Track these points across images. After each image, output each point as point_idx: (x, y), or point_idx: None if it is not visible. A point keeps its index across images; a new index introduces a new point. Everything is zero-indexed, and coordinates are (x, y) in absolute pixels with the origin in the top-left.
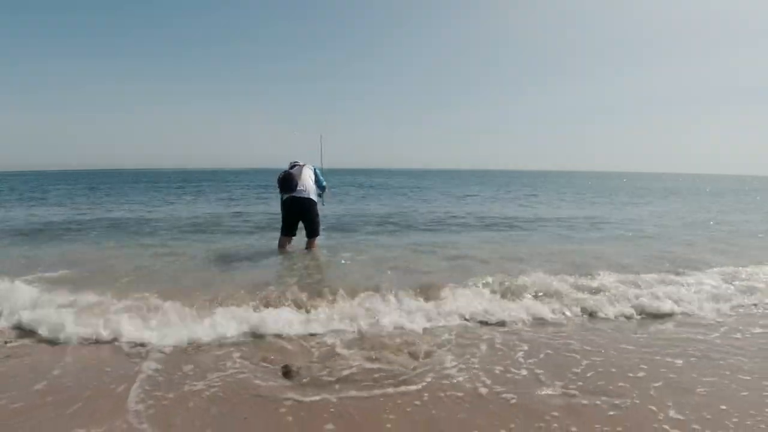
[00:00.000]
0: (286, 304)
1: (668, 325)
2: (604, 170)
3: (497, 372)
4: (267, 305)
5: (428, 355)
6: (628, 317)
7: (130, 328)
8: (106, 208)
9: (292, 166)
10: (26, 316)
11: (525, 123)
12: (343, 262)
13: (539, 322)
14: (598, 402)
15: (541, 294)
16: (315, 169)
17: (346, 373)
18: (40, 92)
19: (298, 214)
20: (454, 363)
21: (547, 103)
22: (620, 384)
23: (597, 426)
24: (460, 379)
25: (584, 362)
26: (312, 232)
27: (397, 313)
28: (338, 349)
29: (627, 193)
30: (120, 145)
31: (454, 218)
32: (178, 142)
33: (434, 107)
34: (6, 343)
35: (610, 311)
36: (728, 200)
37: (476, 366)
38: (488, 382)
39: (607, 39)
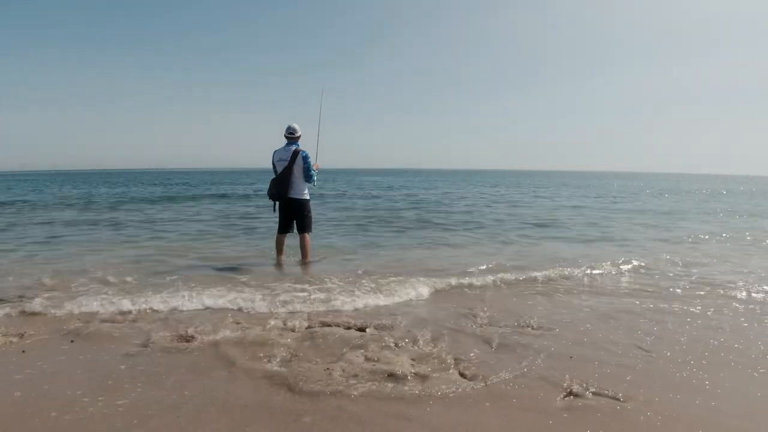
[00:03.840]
0: None
1: None
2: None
3: None
4: None
5: None
6: None
7: None
8: None
9: (288, 139)
10: None
11: (503, 123)
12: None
13: None
14: None
15: None
16: (305, 157)
17: None
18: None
19: (291, 213)
20: None
21: (530, 104)
22: None
23: None
24: None
25: None
26: (303, 228)
27: None
28: None
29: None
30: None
31: None
32: (160, 141)
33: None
34: None
35: None
36: None
37: None
38: None
39: (598, 40)
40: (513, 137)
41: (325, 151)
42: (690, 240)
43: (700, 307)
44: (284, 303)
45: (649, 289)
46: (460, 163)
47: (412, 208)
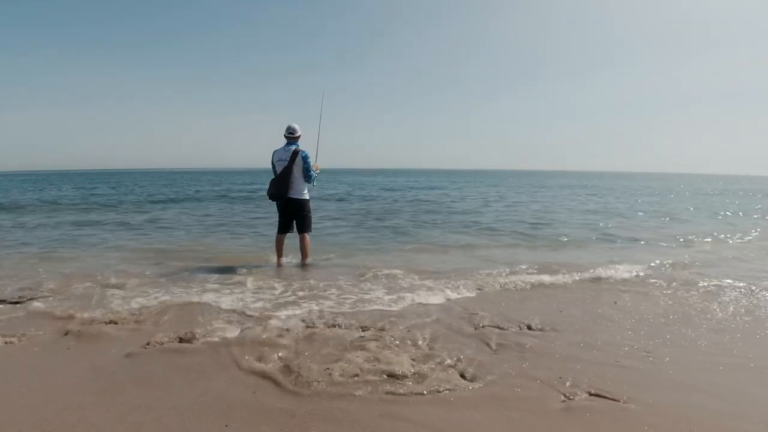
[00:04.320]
0: None
1: None
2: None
3: None
4: None
5: None
6: None
7: None
8: None
9: (288, 139)
10: None
11: (498, 125)
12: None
13: None
14: None
15: None
16: (305, 157)
17: None
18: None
19: (291, 213)
20: None
21: (520, 105)
22: None
23: None
24: None
25: None
26: (303, 228)
27: None
28: None
29: None
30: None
31: None
32: (159, 141)
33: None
34: None
35: None
36: None
37: None
38: None
39: (593, 40)
40: (513, 137)
41: (325, 152)
42: (690, 240)
43: (699, 309)
44: (284, 303)
45: (649, 291)
46: (461, 163)
47: (413, 209)
